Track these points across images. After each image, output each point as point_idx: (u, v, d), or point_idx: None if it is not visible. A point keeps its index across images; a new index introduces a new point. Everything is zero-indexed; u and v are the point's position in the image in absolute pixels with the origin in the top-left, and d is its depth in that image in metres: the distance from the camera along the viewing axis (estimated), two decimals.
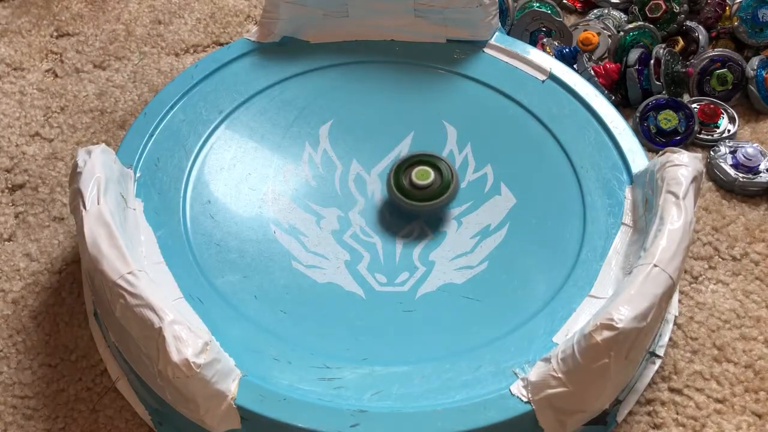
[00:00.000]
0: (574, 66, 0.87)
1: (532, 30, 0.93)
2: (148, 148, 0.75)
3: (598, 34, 0.93)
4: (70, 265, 0.75)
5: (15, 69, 0.93)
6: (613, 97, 0.87)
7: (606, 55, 0.92)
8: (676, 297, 0.72)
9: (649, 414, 0.66)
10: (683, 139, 0.85)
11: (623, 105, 0.89)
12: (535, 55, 0.83)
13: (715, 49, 0.90)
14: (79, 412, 0.66)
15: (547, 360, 0.59)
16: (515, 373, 0.60)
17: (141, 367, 0.61)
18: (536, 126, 0.78)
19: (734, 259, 0.76)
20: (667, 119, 0.85)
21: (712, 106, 0.87)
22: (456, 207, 0.73)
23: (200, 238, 0.70)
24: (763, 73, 0.88)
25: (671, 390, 0.67)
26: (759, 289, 0.74)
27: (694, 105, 0.87)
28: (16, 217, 0.79)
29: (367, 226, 0.73)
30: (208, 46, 0.96)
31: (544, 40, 0.91)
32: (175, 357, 0.55)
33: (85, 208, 0.63)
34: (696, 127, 0.85)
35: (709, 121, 0.86)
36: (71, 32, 0.97)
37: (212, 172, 0.75)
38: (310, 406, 0.58)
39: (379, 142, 0.78)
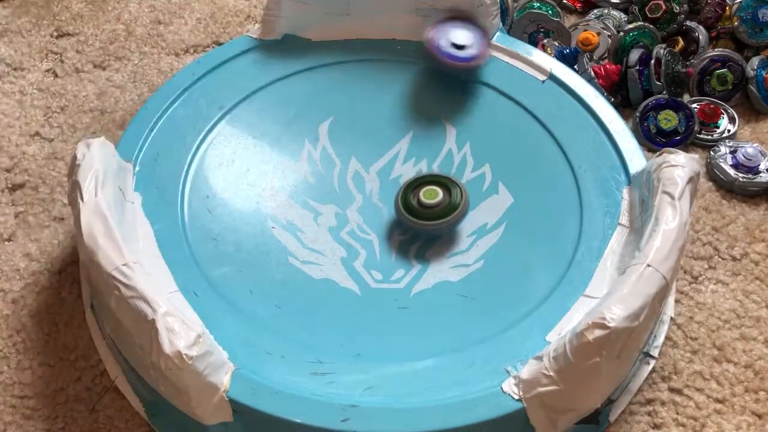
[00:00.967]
0: (575, 67, 0.87)
1: (531, 32, 0.93)
2: (148, 142, 0.75)
3: (598, 34, 0.93)
4: (70, 265, 0.75)
5: (15, 69, 0.93)
6: (613, 99, 0.87)
7: (606, 55, 0.92)
8: (672, 298, 0.72)
9: (649, 414, 0.66)
10: (683, 139, 0.85)
11: (624, 105, 0.89)
12: (536, 55, 0.83)
13: (715, 49, 0.90)
14: (78, 411, 0.66)
15: (540, 358, 0.59)
16: (507, 371, 0.60)
17: (135, 358, 0.61)
18: (535, 126, 0.78)
19: (734, 259, 0.76)
20: (667, 119, 0.85)
21: (712, 106, 0.87)
22: None
23: (197, 232, 0.70)
24: (763, 73, 0.88)
25: (671, 390, 0.67)
26: (759, 289, 0.74)
27: (694, 105, 0.87)
28: (16, 217, 0.79)
29: (365, 224, 0.73)
30: (208, 46, 0.96)
31: (545, 41, 0.91)
32: (168, 349, 0.55)
33: (82, 200, 0.63)
34: (696, 127, 0.85)
35: (709, 121, 0.86)
36: (71, 32, 0.97)
37: (211, 168, 0.75)
38: (301, 400, 0.58)
39: (379, 141, 0.79)
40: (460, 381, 0.60)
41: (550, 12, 0.95)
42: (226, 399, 0.58)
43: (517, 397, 0.58)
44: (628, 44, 0.90)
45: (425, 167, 0.76)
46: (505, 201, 0.73)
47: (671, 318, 0.71)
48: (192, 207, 0.72)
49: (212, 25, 0.98)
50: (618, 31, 0.93)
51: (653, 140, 0.85)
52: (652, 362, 0.68)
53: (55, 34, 0.98)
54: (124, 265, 0.59)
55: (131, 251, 0.61)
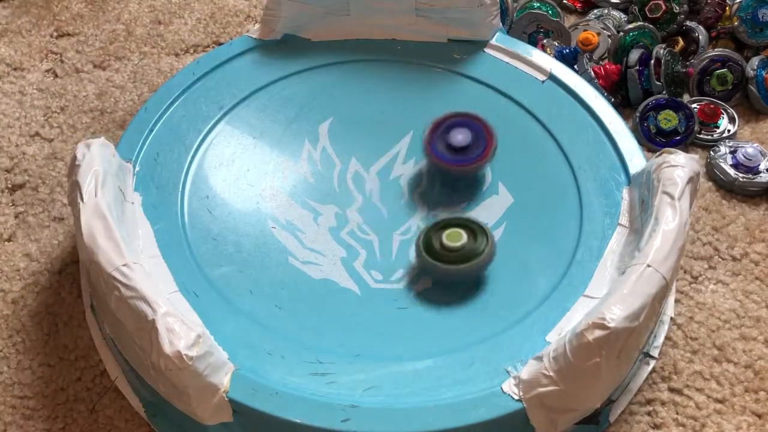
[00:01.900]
0: (575, 67, 0.87)
1: (530, 32, 0.93)
2: (147, 142, 0.75)
3: (598, 34, 0.93)
4: (70, 265, 0.75)
5: (15, 69, 0.93)
6: (613, 99, 0.87)
7: (606, 55, 0.92)
8: (672, 298, 0.72)
9: (649, 414, 0.66)
10: (683, 139, 0.85)
11: (624, 105, 0.89)
12: (536, 55, 0.83)
13: (715, 49, 0.90)
14: (78, 412, 0.66)
15: (539, 358, 0.59)
16: (507, 371, 0.60)
17: (135, 359, 0.61)
18: (535, 126, 0.78)
19: (734, 259, 0.76)
20: (667, 119, 0.85)
21: (712, 106, 0.87)
22: (454, 206, 0.73)
23: (197, 232, 0.70)
24: (763, 73, 0.88)
25: (671, 390, 0.67)
26: (759, 289, 0.74)
27: (694, 105, 0.87)
28: (16, 217, 0.79)
29: (365, 224, 0.73)
30: (208, 46, 0.96)
31: (545, 41, 0.91)
32: (168, 349, 0.55)
33: (82, 200, 0.63)
34: (696, 127, 0.85)
35: (709, 121, 0.86)
36: (71, 32, 0.97)
37: (211, 168, 0.75)
38: (301, 401, 0.58)
39: (379, 141, 0.78)
40: (460, 381, 0.60)
41: (550, 12, 0.95)
42: (226, 399, 0.58)
43: (517, 398, 0.58)
44: (628, 44, 0.90)
45: (425, 167, 0.76)
46: (505, 201, 0.73)
47: (671, 318, 0.71)
48: (192, 207, 0.72)
49: (212, 25, 0.98)
50: (618, 31, 0.93)
51: (653, 140, 0.85)
52: (652, 362, 0.68)
53: (55, 34, 0.98)
54: (124, 265, 0.59)
55: (131, 251, 0.61)
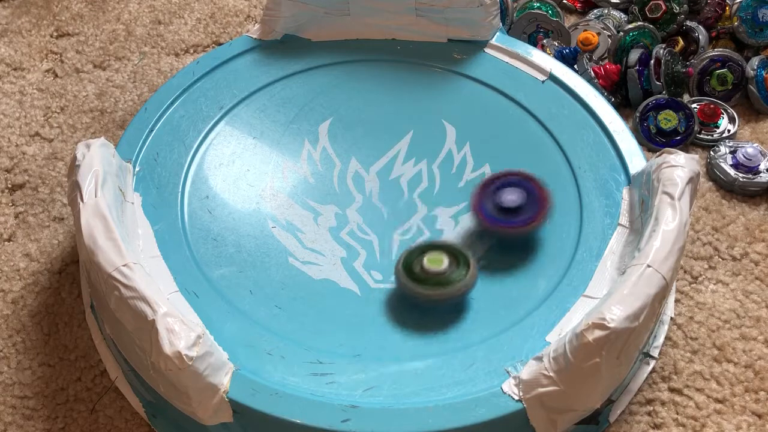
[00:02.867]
0: (575, 66, 0.87)
1: (530, 32, 0.93)
2: (147, 142, 0.75)
3: (598, 34, 0.93)
4: (70, 265, 0.75)
5: (15, 69, 0.94)
6: (613, 99, 0.87)
7: (606, 55, 0.92)
8: (672, 298, 0.72)
9: (649, 414, 0.66)
10: (683, 139, 0.85)
11: (624, 105, 0.89)
12: (536, 55, 0.83)
13: (715, 49, 0.90)
14: (78, 412, 0.66)
15: (539, 359, 0.59)
16: (507, 372, 0.60)
17: (135, 359, 0.61)
18: (535, 126, 0.78)
19: (734, 259, 0.76)
20: (667, 119, 0.85)
21: (712, 106, 0.87)
22: (454, 206, 0.73)
23: (197, 232, 0.70)
24: (763, 73, 0.88)
25: (671, 390, 0.67)
26: (759, 289, 0.74)
27: (694, 105, 0.87)
28: (16, 217, 0.79)
29: (364, 224, 0.73)
30: (208, 46, 0.96)
31: (544, 41, 0.91)
32: (168, 349, 0.55)
33: (82, 200, 0.63)
34: (696, 127, 0.85)
35: (709, 121, 0.86)
36: (71, 32, 0.97)
37: (211, 168, 0.75)
38: (301, 401, 0.58)
39: (379, 141, 0.79)
40: (460, 381, 0.60)
41: (549, 12, 0.95)
42: (226, 399, 0.58)
43: (517, 398, 0.58)
44: (628, 44, 0.90)
45: (425, 167, 0.76)
46: None
47: (671, 318, 0.71)
48: (192, 207, 0.72)
49: (212, 25, 0.98)
50: (618, 31, 0.93)
51: (653, 140, 0.85)
52: (652, 362, 0.68)
53: (55, 34, 0.98)
54: (124, 265, 0.59)
55: (131, 252, 0.61)
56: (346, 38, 0.85)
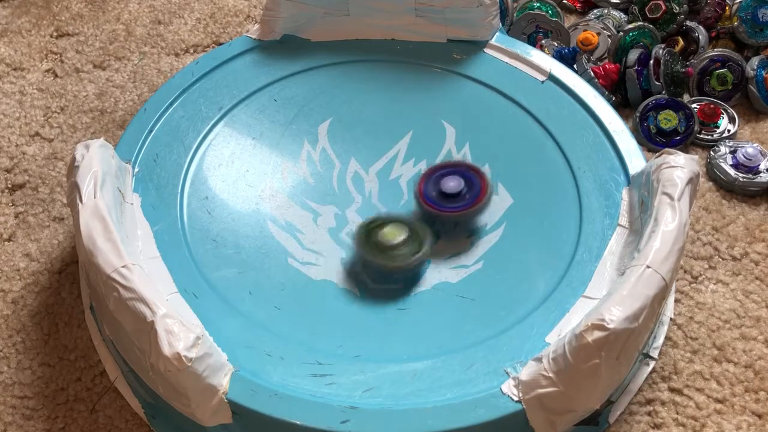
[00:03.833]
0: (574, 66, 0.87)
1: (529, 33, 0.93)
2: (147, 143, 0.75)
3: (598, 34, 0.93)
4: (70, 265, 0.75)
5: (15, 69, 0.94)
6: (613, 98, 0.87)
7: (606, 55, 0.92)
8: (672, 299, 0.72)
9: (649, 414, 0.66)
10: (683, 139, 0.85)
11: (623, 105, 0.89)
12: (535, 55, 0.83)
13: (715, 49, 0.90)
14: (78, 412, 0.66)
15: (539, 360, 0.59)
16: (507, 373, 0.60)
17: (134, 360, 0.61)
18: (535, 126, 0.78)
19: (734, 259, 0.76)
20: (667, 119, 0.85)
21: (712, 106, 0.87)
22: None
23: (197, 233, 0.70)
24: (763, 73, 0.87)
25: (671, 390, 0.67)
26: (759, 289, 0.74)
27: (694, 105, 0.87)
28: (16, 217, 0.79)
29: None
30: (208, 46, 0.96)
31: (543, 41, 0.91)
32: (167, 351, 0.55)
33: (81, 201, 0.63)
34: (696, 127, 0.85)
35: (709, 121, 0.86)
36: (71, 32, 0.97)
37: (210, 169, 0.75)
38: (301, 402, 0.58)
39: (378, 141, 0.78)
40: (460, 382, 0.60)
41: (549, 12, 0.95)
42: (226, 401, 0.58)
43: (516, 399, 0.58)
44: (627, 44, 0.90)
45: (425, 167, 0.76)
46: (504, 201, 0.73)
47: (671, 318, 0.71)
48: (191, 208, 0.72)
49: (212, 25, 0.98)
50: (618, 31, 0.93)
51: (653, 140, 0.85)
52: (652, 363, 0.68)
53: (55, 34, 0.98)
54: (123, 266, 0.59)
55: (130, 253, 0.61)
56: (346, 38, 0.85)
